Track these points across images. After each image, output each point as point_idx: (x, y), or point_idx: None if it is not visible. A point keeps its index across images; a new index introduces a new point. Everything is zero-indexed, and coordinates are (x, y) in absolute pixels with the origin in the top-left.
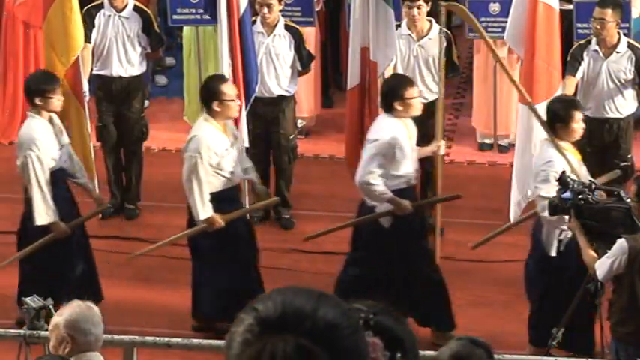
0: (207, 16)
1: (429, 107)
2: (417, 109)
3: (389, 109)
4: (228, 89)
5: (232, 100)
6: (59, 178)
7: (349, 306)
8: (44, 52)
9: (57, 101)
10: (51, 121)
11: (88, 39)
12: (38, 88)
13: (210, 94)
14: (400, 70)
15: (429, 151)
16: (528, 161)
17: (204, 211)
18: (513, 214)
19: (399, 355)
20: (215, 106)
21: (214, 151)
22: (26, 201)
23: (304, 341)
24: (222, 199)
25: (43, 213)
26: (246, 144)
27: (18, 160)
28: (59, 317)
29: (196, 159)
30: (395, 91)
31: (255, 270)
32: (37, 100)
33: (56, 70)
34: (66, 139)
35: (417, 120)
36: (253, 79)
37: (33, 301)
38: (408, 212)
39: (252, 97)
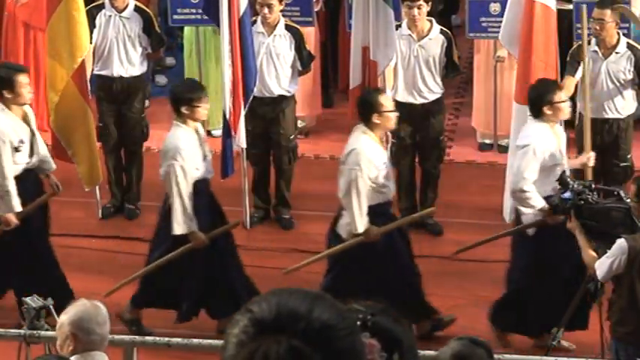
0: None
1: (430, 107)
2: (566, 114)
3: (537, 114)
4: (386, 101)
5: (392, 112)
6: (202, 189)
7: (347, 307)
8: (45, 55)
9: (203, 110)
10: (196, 130)
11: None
12: (185, 96)
13: (369, 106)
14: (400, 70)
15: (578, 163)
16: None
17: (363, 224)
18: (509, 215)
19: (396, 356)
20: (374, 118)
21: (374, 164)
22: (164, 210)
23: (298, 342)
24: (376, 214)
25: (182, 222)
26: (244, 144)
27: (161, 168)
28: (65, 316)
29: (357, 172)
30: (544, 96)
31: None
32: (184, 109)
33: (56, 73)
34: (208, 149)
35: (417, 121)
36: (252, 80)
37: (33, 301)
38: (561, 222)
39: (251, 97)
